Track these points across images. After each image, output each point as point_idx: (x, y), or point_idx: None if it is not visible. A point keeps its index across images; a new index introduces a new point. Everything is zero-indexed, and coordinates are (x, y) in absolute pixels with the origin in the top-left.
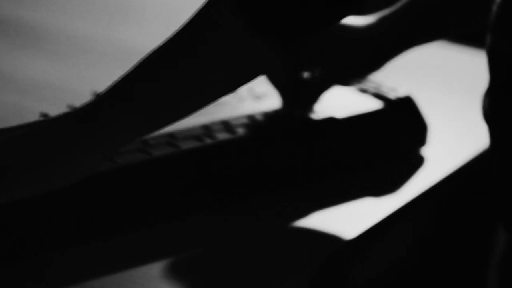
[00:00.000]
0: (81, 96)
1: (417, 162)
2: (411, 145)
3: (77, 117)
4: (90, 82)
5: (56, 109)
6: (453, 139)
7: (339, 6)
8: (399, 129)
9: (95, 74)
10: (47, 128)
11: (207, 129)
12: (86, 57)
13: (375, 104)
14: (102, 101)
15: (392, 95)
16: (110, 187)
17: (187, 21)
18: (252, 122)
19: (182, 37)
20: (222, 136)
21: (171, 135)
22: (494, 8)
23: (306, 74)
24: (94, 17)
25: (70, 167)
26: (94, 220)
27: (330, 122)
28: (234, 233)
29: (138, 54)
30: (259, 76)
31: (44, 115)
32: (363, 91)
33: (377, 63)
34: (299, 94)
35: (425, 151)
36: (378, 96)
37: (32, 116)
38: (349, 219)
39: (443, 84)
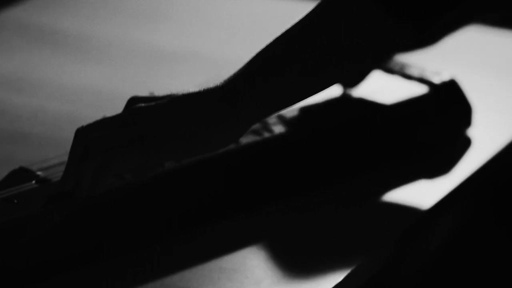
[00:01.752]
0: (123, 100)
1: (465, 144)
2: (457, 128)
3: (217, 95)
4: (137, 85)
5: (95, 112)
6: (498, 120)
7: None
8: (446, 113)
9: (141, 77)
10: (189, 101)
11: (264, 123)
12: (129, 61)
13: (420, 89)
14: (239, 80)
15: (436, 79)
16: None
17: (320, 3)
18: (306, 114)
19: (315, 16)
20: (279, 129)
21: None
22: None
23: None
24: (131, 22)
25: (209, 139)
26: (171, 216)
27: (379, 109)
28: (311, 217)
29: (174, 55)
30: (387, 57)
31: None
32: (408, 77)
33: (434, 37)
34: None
35: (471, 132)
36: (423, 80)
37: (80, 122)
38: (411, 200)
39: (484, 66)
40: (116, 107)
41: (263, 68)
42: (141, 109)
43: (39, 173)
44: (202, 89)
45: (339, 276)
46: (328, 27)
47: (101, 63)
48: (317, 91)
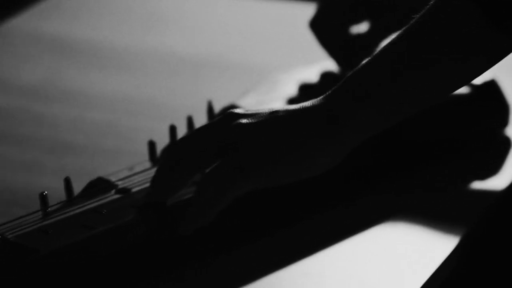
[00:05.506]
0: (148, 105)
1: (505, 143)
2: (496, 127)
3: (324, 115)
4: (152, 91)
5: (134, 120)
6: None
7: None
8: (485, 112)
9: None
10: (295, 122)
11: None
12: (148, 69)
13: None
14: (341, 96)
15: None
16: None
17: (424, 13)
18: None
19: (420, 26)
20: None
21: None
22: None
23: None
24: (149, 30)
25: (315, 159)
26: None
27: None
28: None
29: (191, 62)
30: (491, 66)
31: (152, 142)
32: None
33: None
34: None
35: (509, 132)
36: None
37: (120, 130)
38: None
39: None
40: (152, 115)
41: (372, 83)
42: (242, 126)
43: (118, 183)
44: (304, 107)
45: (422, 277)
46: (431, 34)
47: (125, 70)
48: (428, 103)
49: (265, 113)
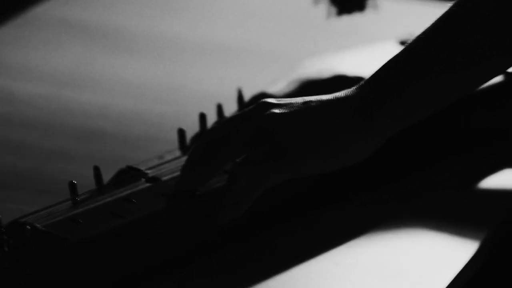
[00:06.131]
0: (177, 92)
1: None
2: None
3: (353, 106)
4: (182, 78)
5: (163, 108)
6: None
7: None
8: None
9: (184, 70)
10: (326, 111)
11: None
12: (178, 56)
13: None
14: (373, 89)
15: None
16: None
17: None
18: None
19: (450, 17)
20: None
21: None
22: None
23: None
24: (180, 18)
25: (346, 152)
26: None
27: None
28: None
29: (221, 49)
30: None
31: (181, 130)
32: None
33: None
34: None
35: None
36: None
37: (149, 118)
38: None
39: None
40: (182, 102)
41: (400, 75)
42: (276, 117)
43: (148, 171)
44: (337, 98)
45: (447, 277)
46: (464, 26)
47: (155, 57)
48: (456, 95)
49: (298, 103)
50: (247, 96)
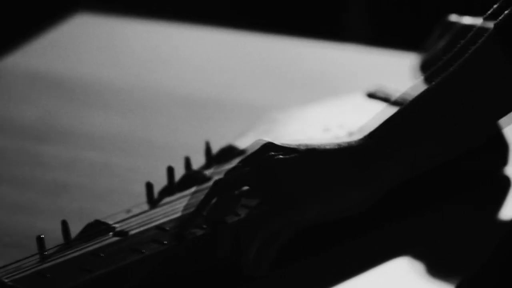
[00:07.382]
0: (145, 145)
1: (505, 182)
2: (495, 166)
3: (352, 158)
4: (149, 130)
5: (130, 160)
6: None
7: None
8: (484, 151)
9: (151, 122)
10: (326, 160)
11: None
12: (145, 108)
13: None
14: (373, 140)
15: None
16: None
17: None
18: None
19: (447, 79)
20: None
21: None
22: None
23: None
24: (146, 69)
25: (348, 199)
26: None
27: None
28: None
29: (189, 102)
30: None
31: (149, 184)
32: None
33: None
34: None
35: (508, 171)
36: None
37: (117, 171)
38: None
39: None
40: (149, 155)
41: (397, 137)
42: (279, 162)
43: (115, 225)
44: (337, 147)
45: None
46: (461, 88)
47: (122, 110)
48: (450, 155)
49: (302, 149)
50: (215, 148)
